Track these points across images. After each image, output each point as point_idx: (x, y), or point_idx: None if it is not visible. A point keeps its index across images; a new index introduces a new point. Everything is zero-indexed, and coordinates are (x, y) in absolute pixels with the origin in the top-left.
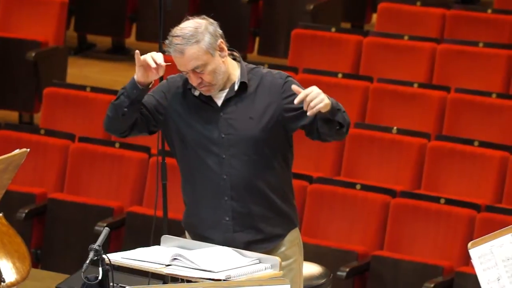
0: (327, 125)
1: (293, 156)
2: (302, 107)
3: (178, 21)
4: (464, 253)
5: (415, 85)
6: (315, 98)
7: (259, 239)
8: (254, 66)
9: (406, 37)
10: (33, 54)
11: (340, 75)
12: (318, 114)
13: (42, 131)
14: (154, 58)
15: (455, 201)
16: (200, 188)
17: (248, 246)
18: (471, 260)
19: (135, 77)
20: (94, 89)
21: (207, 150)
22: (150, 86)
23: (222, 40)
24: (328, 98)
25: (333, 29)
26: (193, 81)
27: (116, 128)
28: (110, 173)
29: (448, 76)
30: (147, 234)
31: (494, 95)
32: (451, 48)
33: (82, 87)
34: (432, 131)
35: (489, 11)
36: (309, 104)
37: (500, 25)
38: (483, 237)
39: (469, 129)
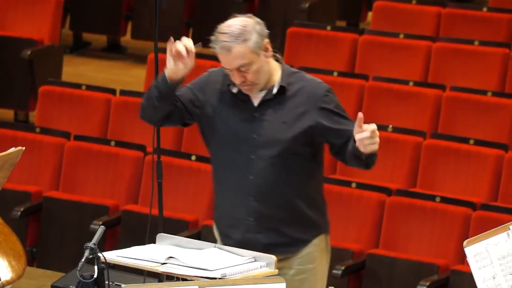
0: (354, 159)
1: (323, 163)
2: (335, 127)
3: (174, 20)
4: (459, 251)
5: (411, 83)
6: (374, 143)
7: (281, 243)
8: (296, 70)
9: (401, 35)
10: (29, 53)
11: (335, 74)
12: (353, 146)
13: (38, 130)
14: (185, 44)
15: (450, 200)
16: (227, 185)
17: (268, 248)
18: (467, 259)
19: (165, 71)
20: (90, 87)
21: (237, 149)
22: (181, 81)
23: (267, 40)
24: None
25: (329, 28)
26: (236, 79)
27: (150, 118)
28: (105, 171)
29: (444, 75)
30: (142, 233)
31: (489, 94)
32: (447, 47)
33: (78, 85)
34: (428, 129)
35: (485, 9)
36: (365, 143)
37: (496, 23)
38: (478, 235)
39: (465, 128)
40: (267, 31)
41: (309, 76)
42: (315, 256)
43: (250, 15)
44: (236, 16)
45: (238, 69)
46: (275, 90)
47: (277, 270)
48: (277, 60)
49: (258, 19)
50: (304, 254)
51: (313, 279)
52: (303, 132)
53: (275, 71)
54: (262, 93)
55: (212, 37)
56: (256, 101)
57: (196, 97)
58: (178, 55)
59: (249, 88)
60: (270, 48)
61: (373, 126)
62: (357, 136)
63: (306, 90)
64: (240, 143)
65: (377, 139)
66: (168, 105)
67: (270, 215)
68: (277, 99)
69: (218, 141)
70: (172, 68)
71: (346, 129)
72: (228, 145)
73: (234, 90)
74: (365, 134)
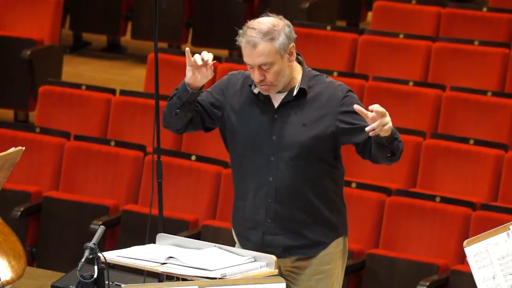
0: (380, 150)
1: (342, 166)
2: (356, 124)
3: (174, 20)
4: (459, 251)
5: (411, 83)
6: (386, 124)
7: (300, 245)
8: (317, 73)
9: (401, 35)
10: (29, 53)
11: (335, 74)
12: (374, 137)
13: (37, 130)
14: (203, 56)
15: (450, 200)
16: (246, 186)
17: (287, 250)
18: (467, 259)
19: (186, 79)
20: (89, 87)
21: (257, 150)
22: (202, 89)
23: (294, 44)
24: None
25: (329, 28)
26: (256, 77)
27: (172, 126)
28: (105, 171)
29: (443, 75)
30: (142, 233)
31: (489, 94)
32: (446, 47)
33: (77, 85)
34: (427, 129)
35: (484, 9)
36: (377, 125)
37: (495, 23)
38: (478, 235)
39: (464, 128)
40: (295, 35)
41: (329, 78)
42: (333, 258)
43: (281, 17)
44: (268, 15)
45: (260, 67)
46: (295, 92)
47: (277, 270)
48: (299, 62)
49: (288, 22)
50: (322, 255)
51: (328, 280)
52: (323, 134)
53: (297, 74)
54: (282, 95)
55: (240, 31)
56: (276, 103)
57: (216, 99)
58: (195, 66)
59: (267, 88)
60: (294, 53)
61: (376, 109)
62: (367, 129)
63: (326, 93)
64: (260, 145)
65: (385, 121)
66: (189, 112)
67: (289, 217)
68: (297, 101)
69: (238, 142)
70: (191, 77)
71: (366, 125)
72: (248, 147)
73: (255, 91)
74: (372, 124)
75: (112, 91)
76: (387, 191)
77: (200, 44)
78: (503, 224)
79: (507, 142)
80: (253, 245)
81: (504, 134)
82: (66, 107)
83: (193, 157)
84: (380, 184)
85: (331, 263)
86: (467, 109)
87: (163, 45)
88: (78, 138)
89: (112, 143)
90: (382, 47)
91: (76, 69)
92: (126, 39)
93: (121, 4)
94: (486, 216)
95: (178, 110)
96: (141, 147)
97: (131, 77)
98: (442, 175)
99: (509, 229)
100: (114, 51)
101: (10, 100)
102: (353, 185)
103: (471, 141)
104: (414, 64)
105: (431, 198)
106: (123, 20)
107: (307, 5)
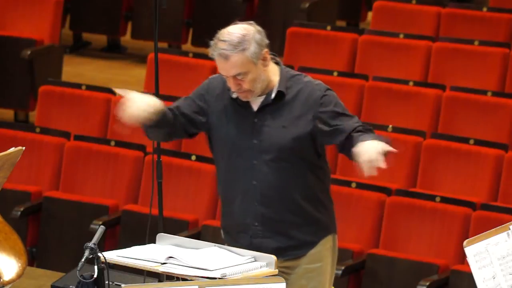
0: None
1: (327, 164)
2: (337, 125)
3: (174, 20)
4: (459, 251)
5: (411, 83)
6: (374, 162)
7: (290, 246)
8: (295, 73)
9: (401, 35)
10: (29, 52)
11: (335, 73)
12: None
13: (38, 129)
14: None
15: (450, 199)
16: (231, 191)
17: (277, 252)
18: (467, 259)
19: None
20: (89, 87)
21: (239, 154)
22: (158, 111)
23: (267, 49)
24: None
25: (328, 27)
26: (232, 86)
27: (154, 137)
28: (105, 171)
29: (444, 74)
30: (142, 233)
31: (489, 94)
32: (447, 46)
33: (77, 85)
34: (428, 129)
35: (484, 9)
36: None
37: (495, 23)
38: (478, 235)
39: (465, 128)
40: (266, 41)
41: (307, 78)
42: (323, 255)
43: (251, 22)
44: (237, 23)
45: (235, 77)
46: (273, 95)
47: (277, 270)
48: (276, 63)
49: (259, 28)
50: (312, 253)
51: (320, 278)
52: (303, 134)
53: (274, 76)
54: (261, 98)
55: (212, 42)
56: (255, 106)
57: (198, 106)
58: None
59: (245, 95)
60: (268, 57)
61: (370, 153)
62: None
63: (304, 93)
64: (242, 149)
65: (376, 162)
66: (161, 128)
67: (277, 219)
68: (275, 104)
69: (221, 147)
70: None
71: (345, 125)
72: (231, 151)
73: (234, 96)
74: (364, 160)
75: (112, 91)
76: (387, 191)
77: (200, 44)
78: (503, 224)
79: (507, 142)
80: (243, 249)
81: (504, 134)
82: (66, 107)
83: (193, 157)
84: (380, 184)
85: (321, 261)
86: (467, 109)
87: (163, 45)
88: (78, 138)
89: (112, 143)
90: (382, 47)
91: (76, 69)
92: (126, 39)
93: (121, 4)
94: (486, 216)
95: (147, 132)
96: (141, 147)
97: (131, 77)
98: (442, 175)
99: (509, 229)
100: (114, 51)
101: (10, 100)
102: (353, 185)
103: (471, 141)
104: (414, 64)
105: (431, 198)
106: (123, 20)
107: (307, 5)
